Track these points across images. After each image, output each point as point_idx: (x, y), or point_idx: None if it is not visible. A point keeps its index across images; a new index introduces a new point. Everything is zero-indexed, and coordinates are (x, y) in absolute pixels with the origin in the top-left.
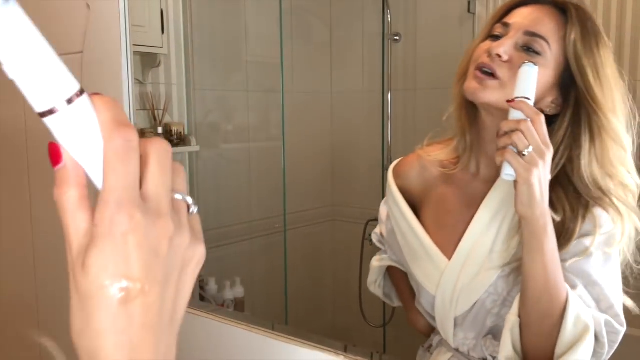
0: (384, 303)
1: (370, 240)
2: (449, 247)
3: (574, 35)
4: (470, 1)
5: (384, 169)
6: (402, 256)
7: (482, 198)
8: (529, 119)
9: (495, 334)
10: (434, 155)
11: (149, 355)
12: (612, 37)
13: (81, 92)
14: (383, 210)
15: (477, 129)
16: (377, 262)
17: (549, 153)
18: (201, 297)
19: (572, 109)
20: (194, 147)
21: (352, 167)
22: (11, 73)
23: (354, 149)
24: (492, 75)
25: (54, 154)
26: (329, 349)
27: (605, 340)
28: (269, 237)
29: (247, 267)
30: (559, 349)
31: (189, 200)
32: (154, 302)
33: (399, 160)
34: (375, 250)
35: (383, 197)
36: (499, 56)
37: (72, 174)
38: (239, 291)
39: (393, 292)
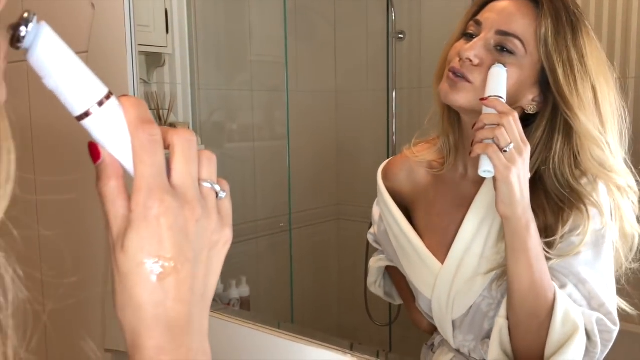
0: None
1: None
2: (441, 250)
3: (544, 29)
4: None
5: None
6: (396, 258)
7: (472, 198)
8: (510, 114)
9: None
10: (422, 156)
11: (183, 326)
12: (618, 33)
13: (109, 94)
14: (376, 211)
15: (460, 130)
16: (376, 264)
17: (527, 150)
18: None
19: (550, 107)
20: (199, 147)
21: (357, 166)
22: (50, 85)
23: (358, 147)
24: (464, 77)
25: (93, 151)
26: (335, 347)
27: (598, 339)
28: (274, 236)
29: (252, 266)
30: (548, 349)
31: (217, 187)
32: (185, 278)
33: (387, 161)
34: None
35: None
36: (470, 60)
37: (110, 168)
38: (244, 290)
39: (394, 290)
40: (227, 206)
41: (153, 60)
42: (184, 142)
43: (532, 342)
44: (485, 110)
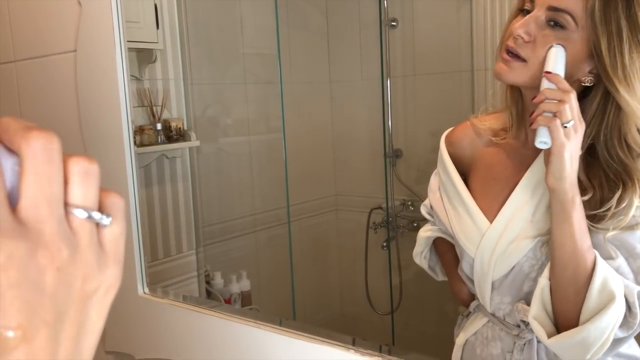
0: (391, 291)
1: (375, 228)
2: (492, 211)
3: (591, 2)
4: None
5: (386, 156)
6: (447, 221)
7: (530, 165)
8: (572, 92)
9: (530, 300)
10: (488, 124)
11: None
12: None
13: None
14: (434, 181)
15: (522, 103)
16: (425, 233)
17: (582, 129)
18: (208, 292)
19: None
20: (194, 142)
21: (353, 156)
22: None
23: (355, 137)
24: (517, 56)
25: None
26: (337, 342)
27: (638, 311)
28: (273, 229)
29: (252, 260)
30: (584, 314)
31: (95, 215)
32: (43, 348)
33: (451, 128)
34: (380, 237)
35: (386, 184)
36: (522, 37)
37: None
38: (245, 284)
39: (438, 265)
40: (114, 235)
41: (144, 56)
42: (37, 152)
43: (569, 306)
44: (545, 84)
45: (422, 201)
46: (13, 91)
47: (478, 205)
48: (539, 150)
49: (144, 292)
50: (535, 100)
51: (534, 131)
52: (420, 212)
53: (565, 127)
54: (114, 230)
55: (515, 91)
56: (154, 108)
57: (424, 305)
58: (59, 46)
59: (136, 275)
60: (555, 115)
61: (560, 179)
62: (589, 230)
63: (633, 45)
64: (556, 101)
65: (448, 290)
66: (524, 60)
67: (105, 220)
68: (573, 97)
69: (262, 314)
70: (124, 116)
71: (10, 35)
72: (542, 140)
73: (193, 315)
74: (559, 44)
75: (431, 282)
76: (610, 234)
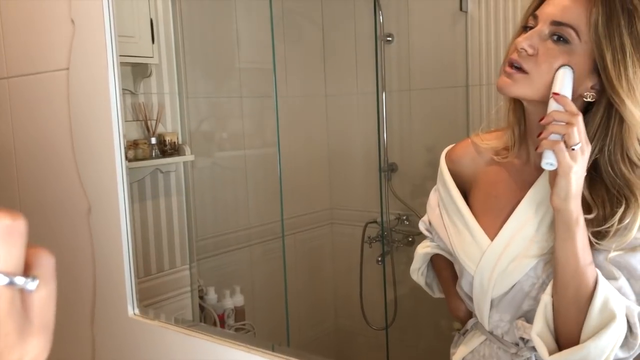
0: (386, 305)
1: (370, 243)
2: (493, 229)
3: (594, 16)
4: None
5: (381, 171)
6: (446, 238)
7: (532, 183)
8: (579, 115)
9: (529, 318)
10: (490, 143)
11: None
12: None
13: None
14: (433, 198)
15: (525, 122)
16: (423, 250)
17: (588, 151)
18: (201, 307)
19: (607, 94)
20: (188, 157)
21: (349, 170)
22: None
23: (350, 151)
24: (520, 69)
25: None
26: None
27: (639, 332)
28: (267, 243)
29: (246, 275)
30: (584, 333)
31: (19, 280)
32: None
33: (452, 146)
34: (375, 251)
35: (381, 198)
36: (525, 50)
37: None
38: (238, 299)
39: (435, 282)
40: (42, 300)
41: (139, 70)
42: None
43: (571, 324)
44: (553, 106)
45: (418, 215)
46: (5, 108)
47: (479, 223)
48: (541, 170)
49: (134, 314)
50: (542, 122)
51: (540, 151)
52: (415, 227)
53: (573, 149)
54: (41, 294)
55: (518, 110)
56: (149, 122)
57: (418, 321)
58: (52, 63)
59: (126, 296)
60: (562, 137)
61: (566, 200)
62: (592, 248)
63: (636, 61)
64: (563, 123)
65: (443, 307)
66: (525, 72)
67: (31, 285)
68: (580, 120)
69: (255, 339)
70: (116, 132)
71: (3, 51)
72: (548, 161)
73: (185, 339)
74: (567, 65)
75: (426, 297)
76: (612, 254)
